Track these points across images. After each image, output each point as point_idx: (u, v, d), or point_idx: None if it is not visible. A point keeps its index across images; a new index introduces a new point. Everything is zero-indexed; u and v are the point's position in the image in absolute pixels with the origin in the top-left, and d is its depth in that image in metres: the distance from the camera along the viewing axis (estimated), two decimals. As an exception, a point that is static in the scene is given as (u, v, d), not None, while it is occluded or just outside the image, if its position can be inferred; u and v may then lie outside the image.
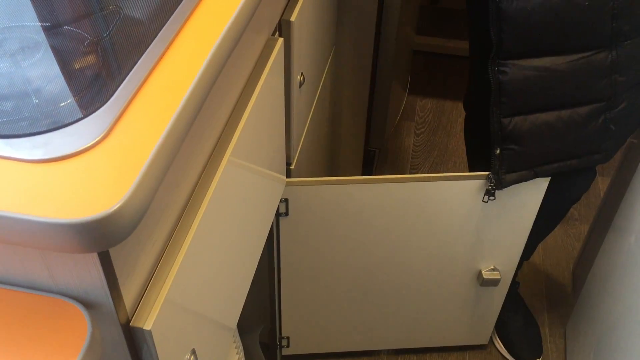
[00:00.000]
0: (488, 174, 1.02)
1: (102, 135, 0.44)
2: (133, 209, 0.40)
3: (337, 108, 1.47)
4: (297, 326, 1.27)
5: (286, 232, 1.08)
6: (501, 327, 1.36)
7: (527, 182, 1.04)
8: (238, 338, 1.15)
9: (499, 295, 1.25)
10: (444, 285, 1.22)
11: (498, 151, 0.98)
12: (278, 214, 1.05)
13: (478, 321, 1.31)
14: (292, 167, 1.03)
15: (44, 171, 0.41)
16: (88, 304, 0.48)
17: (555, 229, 1.64)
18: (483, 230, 1.11)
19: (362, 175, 1.64)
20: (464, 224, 1.10)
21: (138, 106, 0.47)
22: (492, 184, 1.02)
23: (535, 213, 1.09)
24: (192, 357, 0.62)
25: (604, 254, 1.26)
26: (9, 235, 0.39)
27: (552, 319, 1.43)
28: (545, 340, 1.39)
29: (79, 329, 0.45)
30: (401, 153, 1.87)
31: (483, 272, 1.18)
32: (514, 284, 1.39)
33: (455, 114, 2.00)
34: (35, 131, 0.44)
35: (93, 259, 0.44)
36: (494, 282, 1.19)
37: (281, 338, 1.29)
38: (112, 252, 0.46)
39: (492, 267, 1.18)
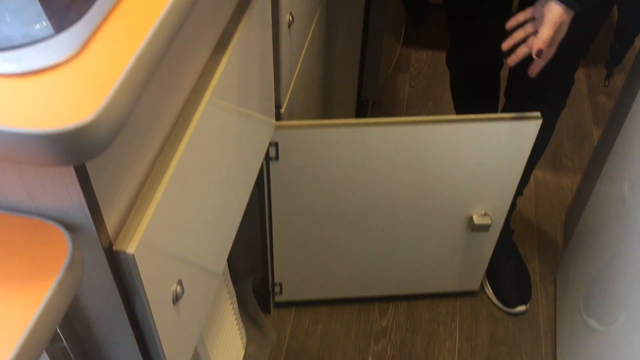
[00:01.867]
0: (606, 63, 1.09)
1: (76, 50, 0.43)
2: (107, 122, 0.40)
3: (329, 58, 1.45)
4: (289, 273, 1.28)
5: (277, 176, 1.08)
6: (492, 273, 1.37)
7: (518, 124, 1.03)
8: (231, 284, 1.16)
9: (490, 241, 1.26)
10: (435, 232, 1.23)
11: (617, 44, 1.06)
12: (268, 158, 1.04)
13: (469, 268, 1.32)
14: (282, 110, 1.02)
15: (17, 85, 0.41)
16: (69, 226, 0.47)
17: (548, 179, 1.64)
18: (474, 174, 1.11)
19: (355, 125, 1.63)
20: (455, 169, 1.10)
21: (113, 23, 0.46)
22: (610, 67, 1.08)
23: (527, 156, 1.09)
24: (178, 288, 0.62)
25: (595, 202, 1.26)
26: (-19, 147, 0.39)
27: (543, 266, 1.45)
28: (536, 287, 1.40)
29: (59, 249, 0.45)
30: (395, 105, 1.86)
31: (474, 217, 1.18)
32: (508, 231, 1.40)
33: (451, 66, 1.98)
34: (8, 46, 0.43)
35: (71, 178, 0.43)
36: (485, 228, 1.20)
37: (274, 285, 1.30)
38: (91, 172, 0.45)
39: (484, 212, 1.19)
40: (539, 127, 1.04)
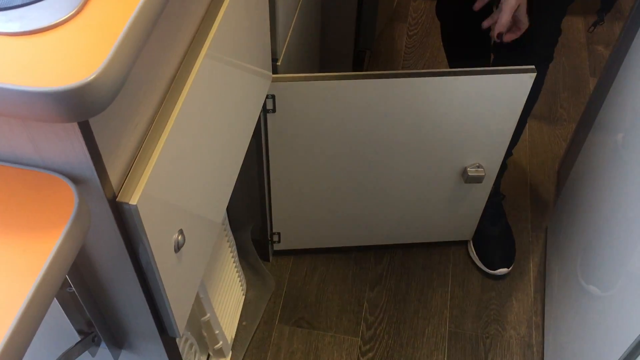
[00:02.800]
0: (598, 11, 1.14)
1: (76, 9, 0.44)
2: (109, 79, 0.41)
3: (326, 8, 1.44)
4: (287, 222, 1.32)
5: (274, 128, 1.09)
6: (477, 234, 1.39)
7: (512, 77, 1.04)
8: (231, 234, 1.19)
9: (483, 192, 1.28)
10: (430, 183, 1.25)
11: None
12: (265, 110, 1.06)
13: (462, 218, 1.35)
14: (279, 63, 1.03)
15: (21, 43, 0.42)
16: (75, 179, 0.50)
17: (543, 128, 1.66)
18: (468, 127, 1.13)
19: (352, 76, 1.63)
20: (449, 121, 1.12)
21: (112, -18, 0.47)
22: (602, 16, 1.13)
23: (521, 108, 1.10)
24: (179, 237, 0.65)
25: (587, 152, 1.28)
26: (-10, 104, 0.41)
27: (535, 215, 1.48)
28: (527, 235, 1.44)
29: (66, 201, 0.48)
30: (393, 55, 1.86)
31: (468, 169, 1.21)
32: (498, 195, 1.41)
33: (449, 15, 1.97)
34: (9, 5, 0.44)
35: (75, 133, 0.45)
36: (479, 179, 1.22)
37: (272, 234, 1.34)
38: (94, 127, 0.47)
39: (477, 164, 1.21)
40: (532, 80, 1.05)
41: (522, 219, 1.46)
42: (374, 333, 1.29)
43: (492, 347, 1.27)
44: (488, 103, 1.09)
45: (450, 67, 1.41)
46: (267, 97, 1.03)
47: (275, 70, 1.02)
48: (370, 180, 1.23)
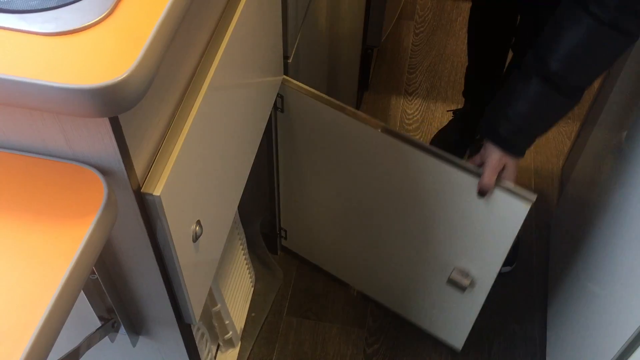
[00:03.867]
0: None
1: (108, 10, 0.47)
2: (140, 77, 0.44)
3: (335, 6, 1.46)
4: (293, 221, 1.33)
5: (282, 127, 1.12)
6: None
7: (507, 198, 0.92)
8: (241, 227, 1.22)
9: (473, 303, 1.11)
10: (419, 263, 1.14)
11: None
12: (276, 108, 1.08)
13: (453, 321, 1.21)
14: (290, 60, 1.06)
15: (56, 43, 0.45)
16: (103, 171, 0.52)
17: (548, 127, 1.68)
18: (463, 227, 1.01)
19: (360, 74, 1.65)
20: (445, 210, 1.01)
21: (140, -15, 0.50)
22: None
23: (514, 236, 0.96)
24: (197, 227, 0.68)
25: (592, 149, 1.30)
26: (29, 100, 0.44)
27: (539, 212, 1.50)
28: (531, 232, 1.46)
29: (96, 191, 0.51)
30: (400, 52, 1.88)
31: (453, 271, 1.06)
32: None
33: (456, 13, 1.99)
34: (45, 7, 0.47)
35: (106, 127, 0.48)
36: (460, 287, 1.07)
37: (280, 228, 1.36)
38: (123, 121, 0.50)
39: (467, 272, 1.06)
40: (527, 211, 0.91)
41: (526, 216, 1.49)
42: (380, 325, 1.32)
43: (496, 340, 1.30)
44: (484, 210, 0.95)
45: (469, 54, 1.39)
46: (277, 95, 1.05)
47: (286, 67, 1.05)
48: (371, 213, 1.13)
